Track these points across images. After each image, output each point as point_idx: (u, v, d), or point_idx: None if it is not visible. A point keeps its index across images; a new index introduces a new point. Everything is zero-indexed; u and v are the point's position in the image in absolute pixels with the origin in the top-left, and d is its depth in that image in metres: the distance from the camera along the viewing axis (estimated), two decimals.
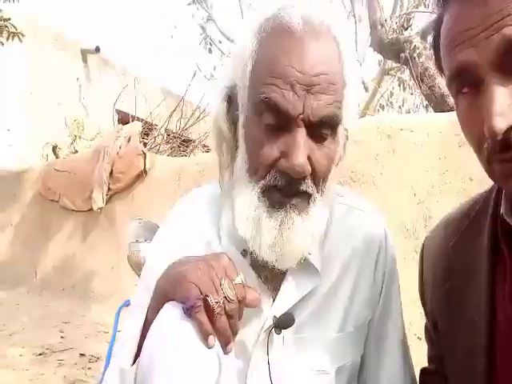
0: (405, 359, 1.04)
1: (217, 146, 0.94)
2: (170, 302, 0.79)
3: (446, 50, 0.74)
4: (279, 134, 0.81)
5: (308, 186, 0.83)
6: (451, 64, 0.73)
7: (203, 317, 0.75)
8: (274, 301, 0.92)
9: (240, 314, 0.80)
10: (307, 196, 0.84)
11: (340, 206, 1.00)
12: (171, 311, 0.77)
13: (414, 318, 1.45)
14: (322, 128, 0.82)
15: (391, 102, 8.29)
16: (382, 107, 8.39)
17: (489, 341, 0.80)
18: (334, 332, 0.95)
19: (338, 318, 0.95)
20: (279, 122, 0.81)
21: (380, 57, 7.50)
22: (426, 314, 1.01)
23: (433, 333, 0.99)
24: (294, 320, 0.90)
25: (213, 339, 0.75)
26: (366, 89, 7.74)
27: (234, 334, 0.79)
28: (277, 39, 0.82)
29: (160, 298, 0.81)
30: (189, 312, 0.75)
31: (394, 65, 7.35)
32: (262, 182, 0.83)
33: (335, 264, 0.96)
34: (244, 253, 0.92)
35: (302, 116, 0.79)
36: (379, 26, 6.15)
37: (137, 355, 0.81)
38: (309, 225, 0.85)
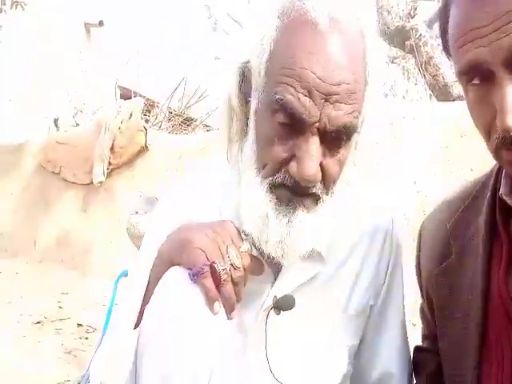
0: (402, 348, 1.04)
1: (226, 119, 0.91)
2: (176, 267, 0.78)
3: (455, 44, 0.76)
4: (292, 134, 0.78)
5: (317, 188, 0.81)
6: (461, 60, 0.75)
7: (210, 283, 0.75)
8: (275, 280, 0.92)
9: (244, 281, 0.80)
10: (316, 197, 0.82)
11: (347, 195, 0.97)
12: (177, 276, 0.77)
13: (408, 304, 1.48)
14: (338, 136, 0.78)
15: (395, 91, 8.26)
16: (386, 96, 8.36)
17: (482, 318, 0.82)
18: (334, 315, 0.95)
19: (339, 301, 0.95)
20: (293, 124, 0.77)
21: (385, 44, 7.45)
22: (422, 295, 1.03)
23: (428, 312, 1.01)
24: (294, 302, 0.88)
25: (218, 305, 0.76)
26: None
27: (238, 300, 0.80)
28: (298, 34, 0.77)
29: (164, 264, 0.81)
30: (195, 278, 0.75)
31: (399, 53, 7.31)
32: (270, 178, 0.81)
33: (340, 250, 0.95)
34: (246, 234, 0.89)
35: (317, 124, 0.76)
36: (385, 13, 6.11)
37: (137, 322, 0.82)
38: (317, 222, 0.83)
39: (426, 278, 0.98)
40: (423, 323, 1.08)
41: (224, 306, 0.78)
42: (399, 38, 5.86)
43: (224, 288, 0.76)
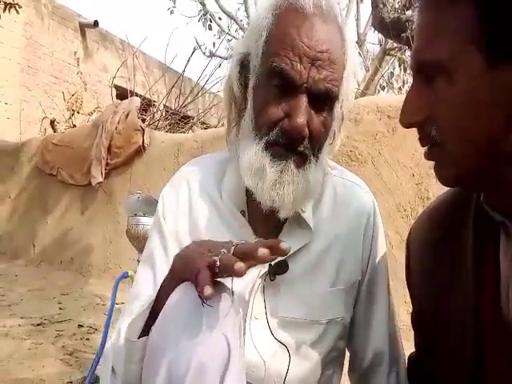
0: (391, 323, 1.11)
1: (227, 103, 1.05)
2: (187, 283, 0.79)
3: None
4: (284, 97, 0.93)
5: (305, 147, 0.95)
6: None
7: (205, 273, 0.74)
8: None
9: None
10: (305, 155, 0.96)
11: (333, 178, 1.11)
12: (187, 287, 0.78)
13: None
14: (321, 99, 0.94)
15: (391, 83, 8.26)
16: (383, 88, 8.35)
17: (476, 333, 0.81)
18: (325, 287, 1.03)
19: (329, 275, 1.04)
20: (285, 87, 0.92)
21: (381, 36, 7.43)
22: (412, 300, 1.02)
23: (418, 318, 1.01)
24: (287, 267, 0.99)
25: (210, 289, 0.72)
26: (367, 68, 7.69)
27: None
28: (290, 17, 0.94)
29: (174, 281, 0.82)
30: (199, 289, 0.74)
31: (395, 45, 7.29)
32: (266, 138, 0.95)
33: (328, 227, 1.06)
34: (243, 213, 1.03)
35: (305, 85, 0.92)
36: (381, 5, 6.09)
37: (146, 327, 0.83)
38: (305, 177, 0.96)
39: (418, 285, 0.99)
40: (414, 330, 1.06)
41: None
42: (395, 30, 5.84)
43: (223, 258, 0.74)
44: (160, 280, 0.88)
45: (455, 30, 0.72)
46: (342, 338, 1.06)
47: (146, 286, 1.01)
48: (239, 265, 0.68)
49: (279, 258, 0.96)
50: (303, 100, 0.92)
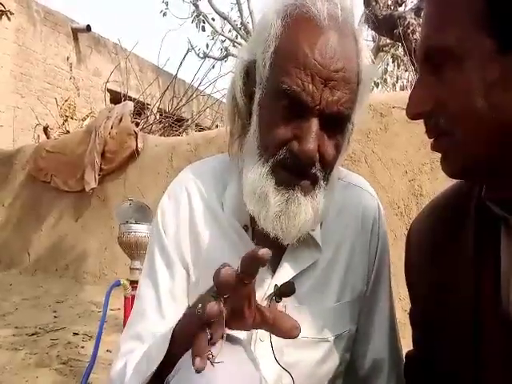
0: (392, 331, 1.08)
1: (230, 114, 0.98)
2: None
3: None
4: (294, 117, 0.86)
5: (317, 169, 0.88)
6: None
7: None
8: (274, 273, 0.96)
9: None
10: (314, 179, 0.89)
11: (338, 182, 1.04)
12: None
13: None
14: (333, 121, 0.87)
15: (385, 79, 8.25)
16: (377, 85, 8.34)
17: (476, 329, 0.80)
18: (332, 302, 0.99)
19: (335, 289, 1.00)
20: (295, 108, 0.85)
21: (374, 33, 7.42)
22: (411, 297, 1.01)
23: (417, 315, 0.99)
24: (294, 289, 0.89)
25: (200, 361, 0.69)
26: None
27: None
28: (302, 29, 0.86)
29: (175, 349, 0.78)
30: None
31: (388, 41, 7.27)
32: (272, 159, 0.88)
33: (332, 237, 1.01)
34: (246, 228, 0.97)
35: (317, 107, 0.84)
36: (373, 3, 6.08)
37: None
38: (313, 205, 0.89)
39: (416, 284, 0.97)
40: (412, 327, 1.05)
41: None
42: (387, 26, 5.83)
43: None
44: (164, 300, 0.92)
45: (464, 16, 0.71)
46: (348, 350, 1.03)
47: (150, 304, 0.97)
48: (213, 311, 0.64)
49: (286, 279, 0.92)
50: (315, 123, 0.85)
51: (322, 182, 0.90)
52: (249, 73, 0.94)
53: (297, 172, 0.88)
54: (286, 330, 0.73)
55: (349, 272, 1.01)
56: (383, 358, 1.05)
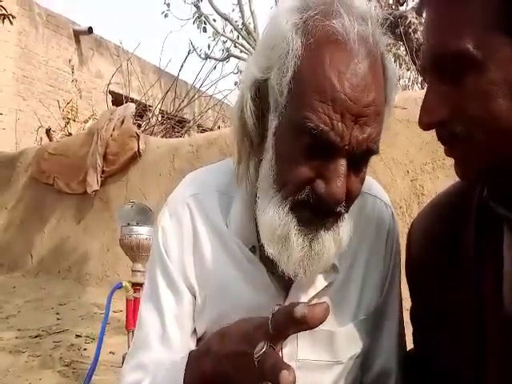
0: (401, 342, 1.04)
1: (238, 135, 0.87)
2: None
3: None
4: (318, 155, 0.76)
5: (341, 207, 0.79)
6: None
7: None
8: (287, 296, 0.90)
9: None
10: (338, 216, 0.81)
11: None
12: None
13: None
14: (362, 158, 0.78)
15: None
16: None
17: (478, 329, 0.80)
18: (347, 322, 0.93)
19: (351, 308, 0.94)
20: (322, 147, 0.75)
21: None
22: (412, 296, 1.00)
23: (418, 314, 0.98)
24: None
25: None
26: None
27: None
28: (327, 53, 0.74)
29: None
30: None
31: (390, 40, 7.28)
32: (291, 198, 0.79)
33: (347, 253, 0.92)
34: (253, 249, 0.89)
35: (346, 147, 0.74)
36: (374, 1, 6.08)
37: None
38: (336, 239, 0.82)
39: (417, 283, 0.96)
40: (412, 326, 1.04)
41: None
42: (389, 25, 5.83)
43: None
44: (170, 328, 0.88)
45: (478, 18, 0.69)
46: (361, 367, 0.98)
47: (154, 332, 0.91)
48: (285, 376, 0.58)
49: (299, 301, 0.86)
50: (343, 163, 0.76)
51: (345, 215, 0.83)
52: (260, 90, 0.82)
53: (321, 212, 0.79)
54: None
55: (364, 289, 0.96)
56: (391, 366, 1.01)
